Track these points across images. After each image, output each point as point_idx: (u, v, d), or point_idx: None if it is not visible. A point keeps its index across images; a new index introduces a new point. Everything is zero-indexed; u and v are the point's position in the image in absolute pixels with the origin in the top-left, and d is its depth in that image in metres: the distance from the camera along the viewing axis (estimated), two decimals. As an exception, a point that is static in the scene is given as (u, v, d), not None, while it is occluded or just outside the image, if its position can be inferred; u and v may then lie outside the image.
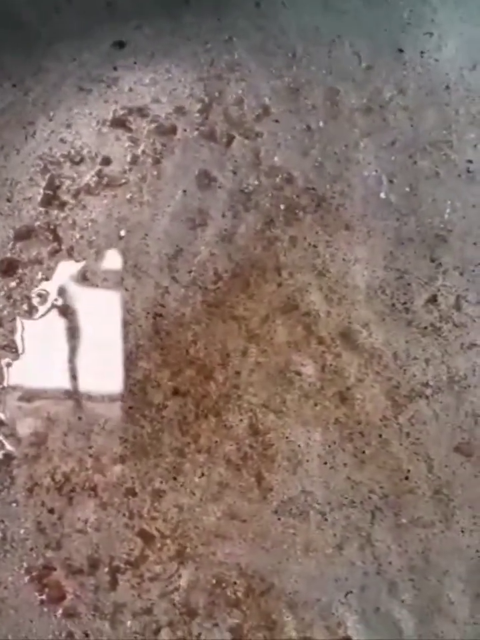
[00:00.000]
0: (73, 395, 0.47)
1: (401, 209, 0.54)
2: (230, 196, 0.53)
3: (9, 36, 0.56)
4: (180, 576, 0.43)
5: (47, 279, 0.50)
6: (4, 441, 0.46)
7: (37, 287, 0.50)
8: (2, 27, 0.55)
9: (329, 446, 0.47)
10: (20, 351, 0.49)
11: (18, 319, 0.49)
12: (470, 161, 0.54)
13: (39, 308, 0.50)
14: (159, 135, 0.55)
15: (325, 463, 0.47)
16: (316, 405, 0.48)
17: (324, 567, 0.46)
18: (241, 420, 0.48)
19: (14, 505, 0.44)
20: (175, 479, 0.46)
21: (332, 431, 0.48)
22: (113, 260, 0.51)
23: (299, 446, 0.47)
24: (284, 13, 0.59)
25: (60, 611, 0.42)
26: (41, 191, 0.53)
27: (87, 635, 0.41)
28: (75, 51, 0.57)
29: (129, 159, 0.54)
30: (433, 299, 0.51)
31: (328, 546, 0.46)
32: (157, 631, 0.44)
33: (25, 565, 0.43)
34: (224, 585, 0.44)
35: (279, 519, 0.46)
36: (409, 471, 0.47)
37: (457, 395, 0.49)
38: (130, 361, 0.49)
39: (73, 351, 0.49)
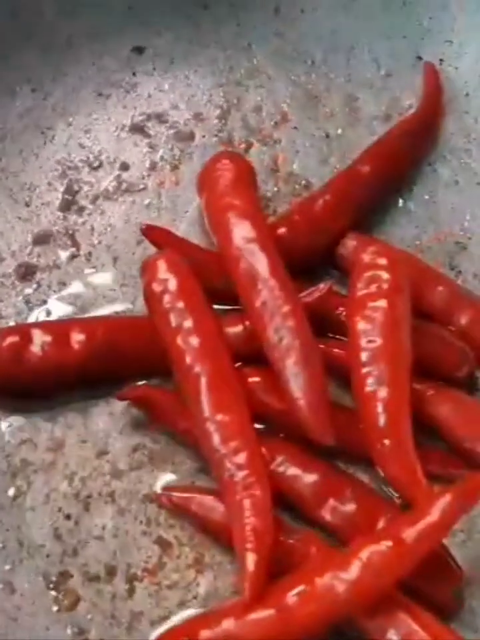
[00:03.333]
0: (91, 400, 0.47)
1: (420, 217, 0.53)
2: (248, 202, 0.52)
3: (30, 37, 0.56)
4: (198, 584, 0.42)
5: (64, 284, 0.50)
6: (21, 446, 0.45)
7: (55, 292, 0.50)
8: (24, 27, 0.56)
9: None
10: (38, 355, 0.49)
11: (36, 323, 0.49)
12: (489, 169, 0.54)
13: (56, 313, 0.49)
14: (177, 141, 0.55)
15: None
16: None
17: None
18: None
19: (31, 511, 0.44)
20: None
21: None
22: (131, 265, 0.51)
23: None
24: (303, 20, 0.59)
25: (77, 619, 0.41)
26: (60, 195, 0.53)
27: (103, 643, 0.41)
28: (95, 56, 0.57)
29: (147, 164, 0.54)
30: (453, 307, 0.50)
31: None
32: (175, 640, 0.43)
33: (41, 571, 0.42)
34: (242, 593, 0.44)
35: (297, 529, 0.46)
36: None
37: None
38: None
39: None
